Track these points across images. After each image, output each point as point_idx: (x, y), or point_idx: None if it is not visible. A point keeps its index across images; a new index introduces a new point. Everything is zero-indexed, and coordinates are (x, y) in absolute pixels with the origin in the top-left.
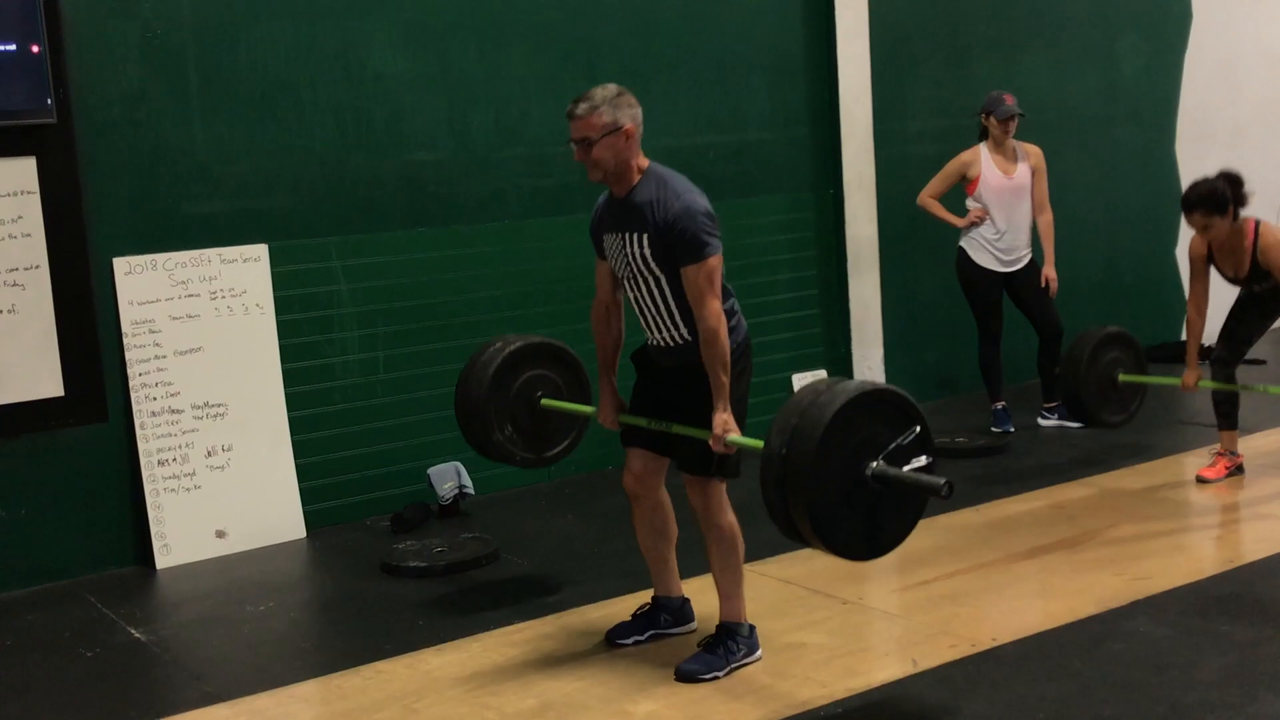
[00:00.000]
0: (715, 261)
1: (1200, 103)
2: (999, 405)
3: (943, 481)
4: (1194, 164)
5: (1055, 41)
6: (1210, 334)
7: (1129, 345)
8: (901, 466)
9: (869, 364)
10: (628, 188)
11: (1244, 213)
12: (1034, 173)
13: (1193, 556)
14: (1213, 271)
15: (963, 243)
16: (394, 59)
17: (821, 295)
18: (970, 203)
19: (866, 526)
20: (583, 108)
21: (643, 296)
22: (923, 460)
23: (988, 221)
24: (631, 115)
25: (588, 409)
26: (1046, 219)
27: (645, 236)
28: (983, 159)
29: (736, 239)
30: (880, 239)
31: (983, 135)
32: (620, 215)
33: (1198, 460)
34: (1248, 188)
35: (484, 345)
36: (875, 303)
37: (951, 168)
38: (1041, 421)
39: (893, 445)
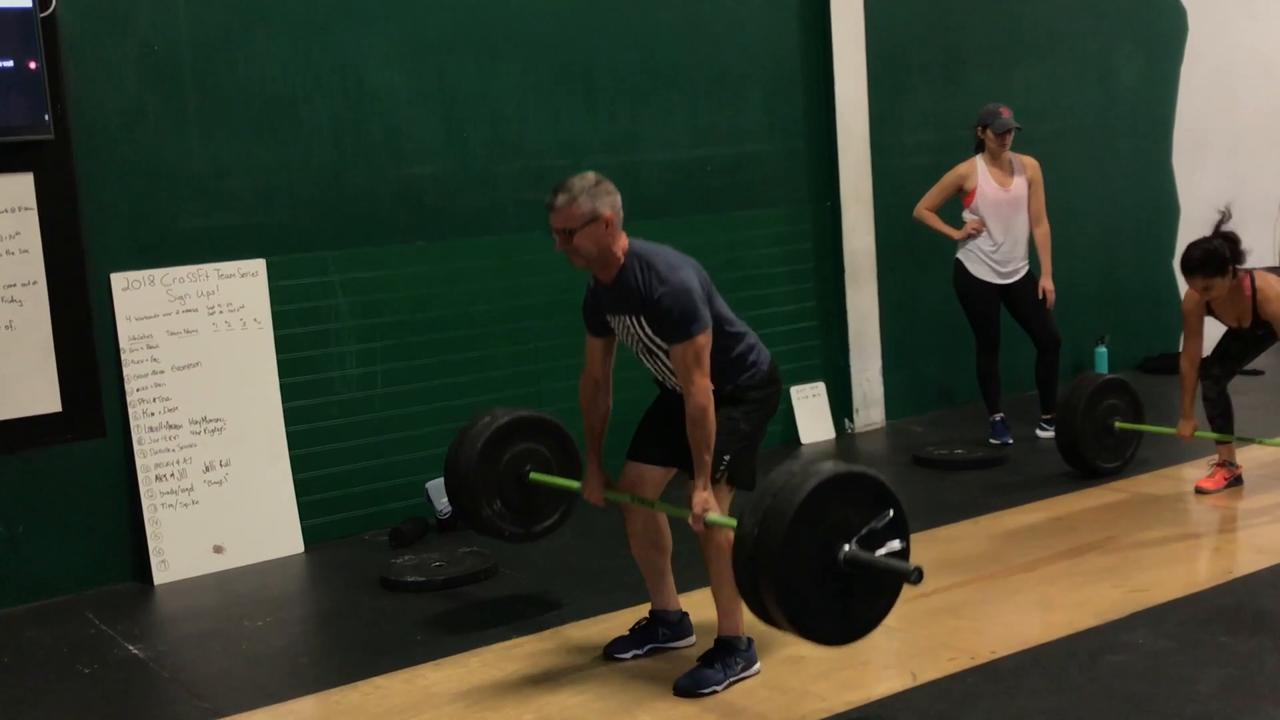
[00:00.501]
0: (703, 339)
1: (1197, 113)
2: (997, 417)
3: (913, 568)
4: (1191, 174)
5: (1051, 53)
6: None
7: (1126, 392)
8: (875, 551)
9: (867, 376)
10: (614, 273)
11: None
12: (1030, 184)
13: (1192, 568)
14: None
15: (959, 255)
16: (391, 74)
17: (819, 307)
18: (967, 215)
19: (839, 611)
20: (561, 199)
21: (657, 366)
22: (896, 545)
23: (984, 233)
24: (610, 203)
25: (575, 484)
26: (1043, 231)
27: (644, 317)
28: (979, 171)
29: (734, 251)
30: (878, 251)
31: (979, 148)
32: (616, 299)
33: (1196, 471)
34: (1244, 245)
35: (474, 418)
36: (873, 314)
37: (948, 180)
38: (1040, 433)
39: (865, 529)
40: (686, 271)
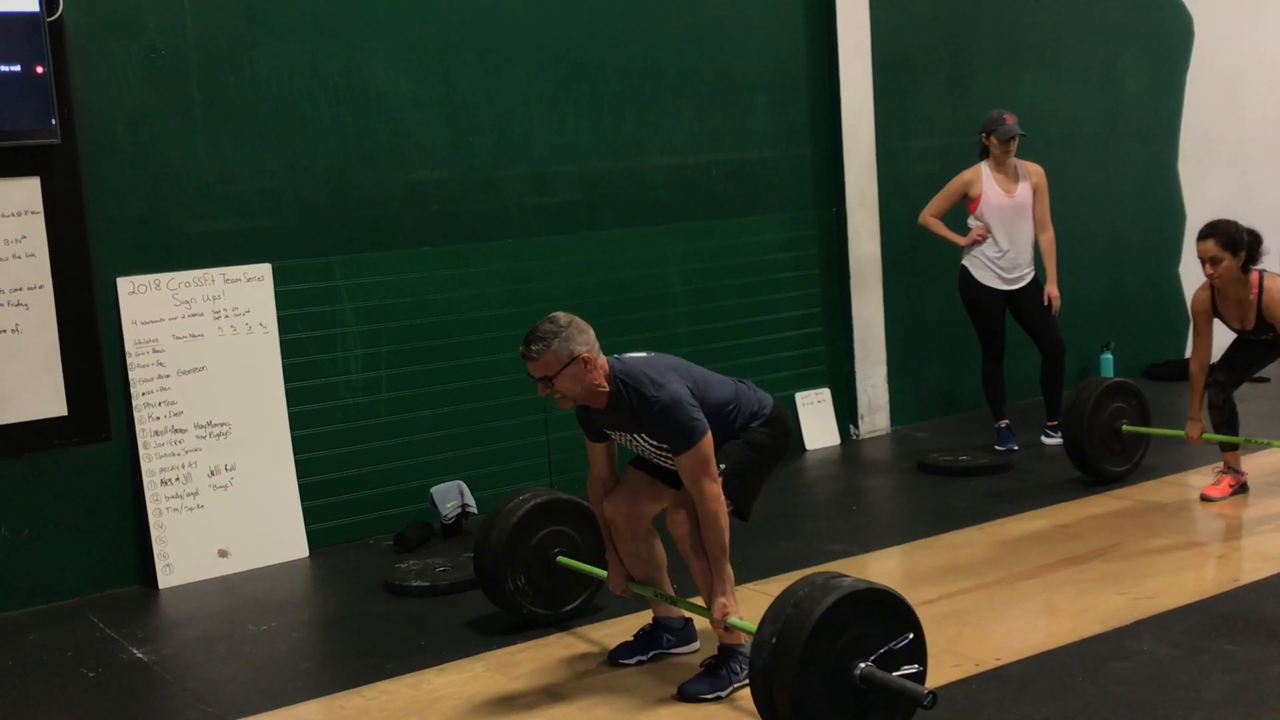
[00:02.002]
0: (705, 445)
1: (1202, 120)
2: (1003, 424)
3: (926, 693)
4: (1196, 181)
5: (1057, 59)
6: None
7: (1133, 396)
8: (891, 671)
9: (872, 382)
10: (604, 400)
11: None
12: (1035, 191)
13: (1197, 575)
14: (1216, 323)
15: (965, 261)
16: (397, 78)
17: (824, 313)
18: (972, 221)
19: None
20: (535, 349)
21: (674, 468)
22: (914, 669)
23: (990, 240)
24: (585, 342)
25: (600, 572)
26: (1048, 237)
27: (643, 433)
28: (984, 177)
29: (739, 257)
30: (883, 257)
31: (983, 154)
32: (612, 419)
33: (1201, 479)
34: (1265, 247)
35: (510, 495)
36: (878, 320)
37: (953, 186)
38: (1045, 440)
39: (884, 649)
40: (671, 384)
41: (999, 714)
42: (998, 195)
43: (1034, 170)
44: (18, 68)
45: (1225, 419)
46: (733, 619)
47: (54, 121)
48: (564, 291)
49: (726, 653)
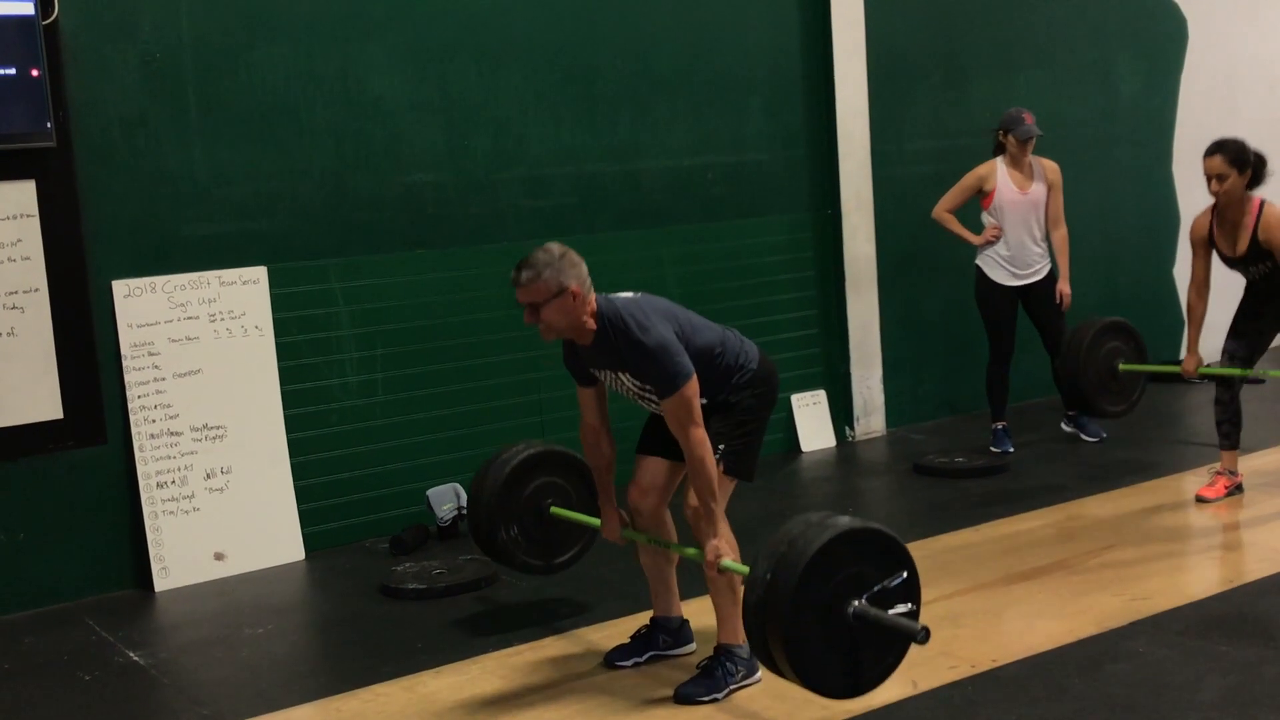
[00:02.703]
0: (689, 390)
1: (1197, 123)
2: (1000, 425)
3: (920, 627)
4: (1192, 184)
5: (1051, 61)
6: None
7: (1129, 335)
8: (885, 610)
9: (868, 384)
10: (589, 338)
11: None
12: (1050, 188)
13: (1192, 576)
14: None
15: (978, 261)
16: (393, 81)
17: (820, 315)
18: (985, 218)
19: (844, 664)
20: (526, 276)
21: (656, 412)
22: (907, 608)
23: (1001, 237)
24: (576, 275)
25: (595, 521)
26: (1061, 234)
27: (628, 372)
28: (999, 173)
29: (735, 259)
30: (879, 258)
31: (998, 150)
32: (597, 356)
33: (1197, 480)
34: (1269, 169)
35: (504, 447)
36: (874, 322)
37: (968, 181)
38: (1063, 426)
39: (878, 587)
40: (657, 326)
41: (995, 716)
42: (1011, 192)
43: (1050, 167)
44: (13, 71)
45: (1228, 417)
46: (725, 561)
47: (49, 124)
48: None
49: (723, 653)
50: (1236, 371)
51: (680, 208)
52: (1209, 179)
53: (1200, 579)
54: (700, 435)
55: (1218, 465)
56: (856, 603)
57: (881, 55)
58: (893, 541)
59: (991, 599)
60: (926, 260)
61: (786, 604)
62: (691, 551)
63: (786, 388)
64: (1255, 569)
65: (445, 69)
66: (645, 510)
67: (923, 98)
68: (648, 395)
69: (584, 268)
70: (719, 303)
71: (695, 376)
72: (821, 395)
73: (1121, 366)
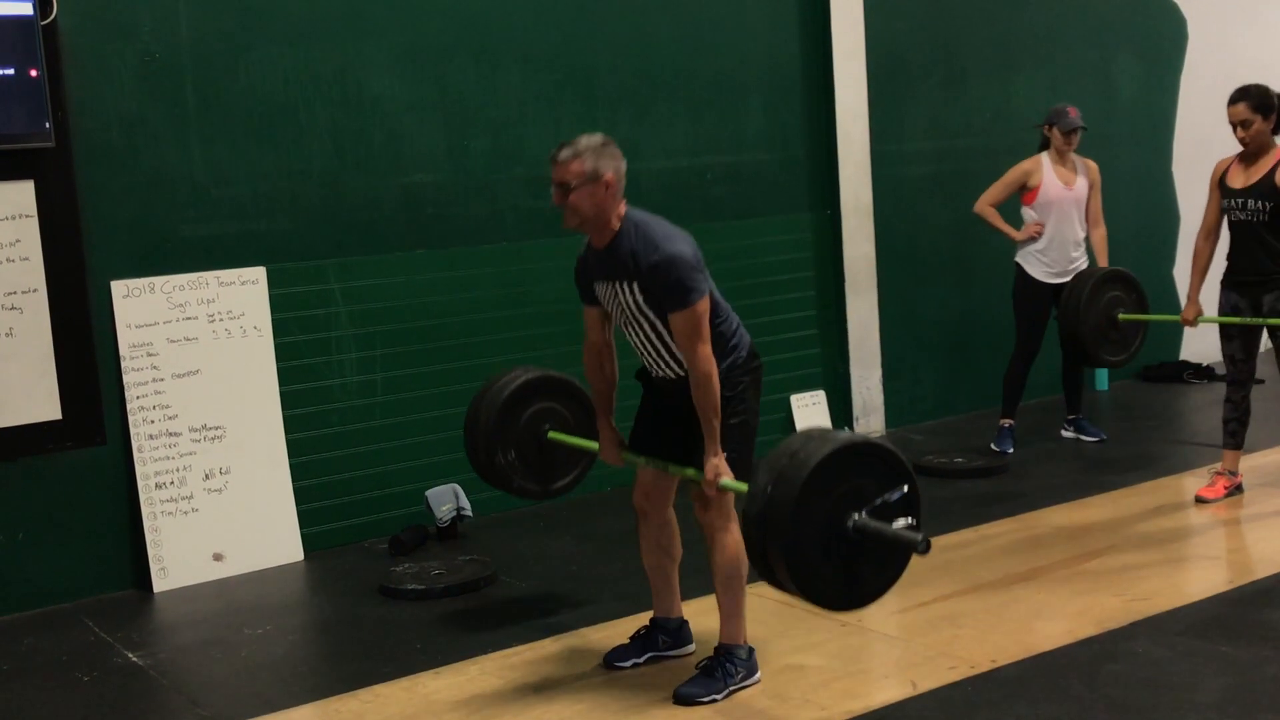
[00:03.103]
0: (702, 307)
1: (1197, 122)
2: (1007, 424)
3: (920, 537)
4: (1192, 183)
5: (1051, 62)
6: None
7: (1129, 284)
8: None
9: (868, 384)
10: (608, 238)
11: None
12: (1090, 186)
13: (1192, 577)
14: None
15: (1018, 258)
16: (392, 81)
17: (819, 316)
18: (1026, 213)
19: (844, 577)
20: (565, 153)
21: (641, 339)
22: (907, 521)
23: (1044, 233)
24: (614, 166)
25: (593, 445)
26: (1101, 233)
27: (635, 284)
28: (1045, 168)
29: (734, 260)
30: (878, 259)
31: (1043, 145)
32: (606, 265)
33: (1197, 480)
34: None
35: (501, 372)
36: (873, 323)
37: (1012, 175)
38: (1063, 433)
39: (879, 501)
40: (681, 243)
41: (994, 716)
42: (1057, 188)
43: (1091, 165)
44: (11, 71)
45: (1237, 415)
46: (725, 480)
47: (48, 125)
48: (559, 294)
49: (723, 654)
50: (1234, 320)
51: (679, 208)
52: (1234, 125)
53: (1200, 579)
54: (706, 352)
55: (1218, 465)
56: (857, 515)
57: (881, 56)
58: (893, 456)
59: (991, 600)
60: (926, 260)
61: (787, 518)
62: (690, 471)
63: (786, 388)
64: (1255, 569)
65: (444, 69)
66: (651, 513)
67: (922, 98)
68: (643, 319)
69: (624, 164)
70: None
71: (708, 298)
72: (821, 396)
73: (1121, 316)
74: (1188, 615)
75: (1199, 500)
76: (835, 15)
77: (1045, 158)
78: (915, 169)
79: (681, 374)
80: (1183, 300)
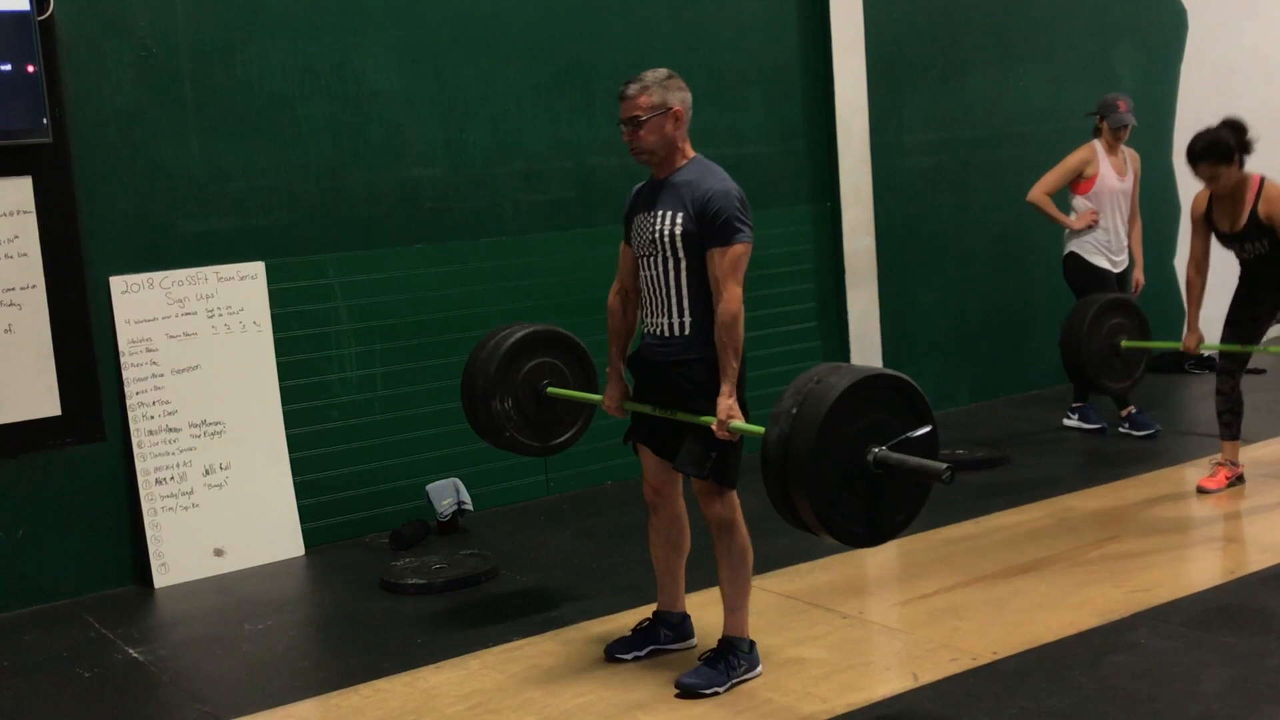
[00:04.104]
0: (742, 249)
1: (1197, 113)
2: (1081, 404)
3: (945, 466)
4: (1191, 175)
5: (1051, 53)
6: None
7: (1131, 312)
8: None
9: None
10: (670, 170)
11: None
12: (1136, 177)
13: (1194, 567)
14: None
15: (1073, 247)
16: (390, 75)
17: (819, 308)
18: (1077, 202)
19: (867, 512)
20: (633, 88)
21: (657, 276)
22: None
23: (1099, 223)
24: (681, 98)
25: (594, 397)
26: (1139, 226)
27: (680, 215)
28: (1100, 158)
29: None
30: (878, 251)
31: (1097, 133)
32: (657, 195)
33: (1198, 471)
34: (1251, 134)
35: (494, 330)
36: (874, 315)
37: (1070, 164)
38: (1065, 420)
39: (900, 438)
40: (738, 190)
41: (996, 708)
42: (1112, 177)
43: (1135, 156)
44: (8, 67)
45: (1230, 407)
46: (736, 422)
47: (45, 120)
48: (559, 288)
49: (726, 647)
50: (1236, 347)
51: None
52: (1204, 182)
53: (1202, 570)
54: (738, 294)
55: (1219, 456)
56: (877, 450)
57: (880, 48)
58: (915, 392)
59: (992, 591)
60: (926, 252)
61: (809, 444)
62: (704, 418)
63: (786, 380)
64: (1257, 560)
65: (442, 63)
66: (662, 507)
67: (921, 90)
68: (670, 253)
69: (689, 95)
70: None
71: (751, 245)
72: None
73: (1124, 343)
74: (1190, 606)
75: (1200, 491)
76: (834, 7)
77: (1099, 147)
78: (915, 161)
79: (676, 331)
80: (1183, 286)
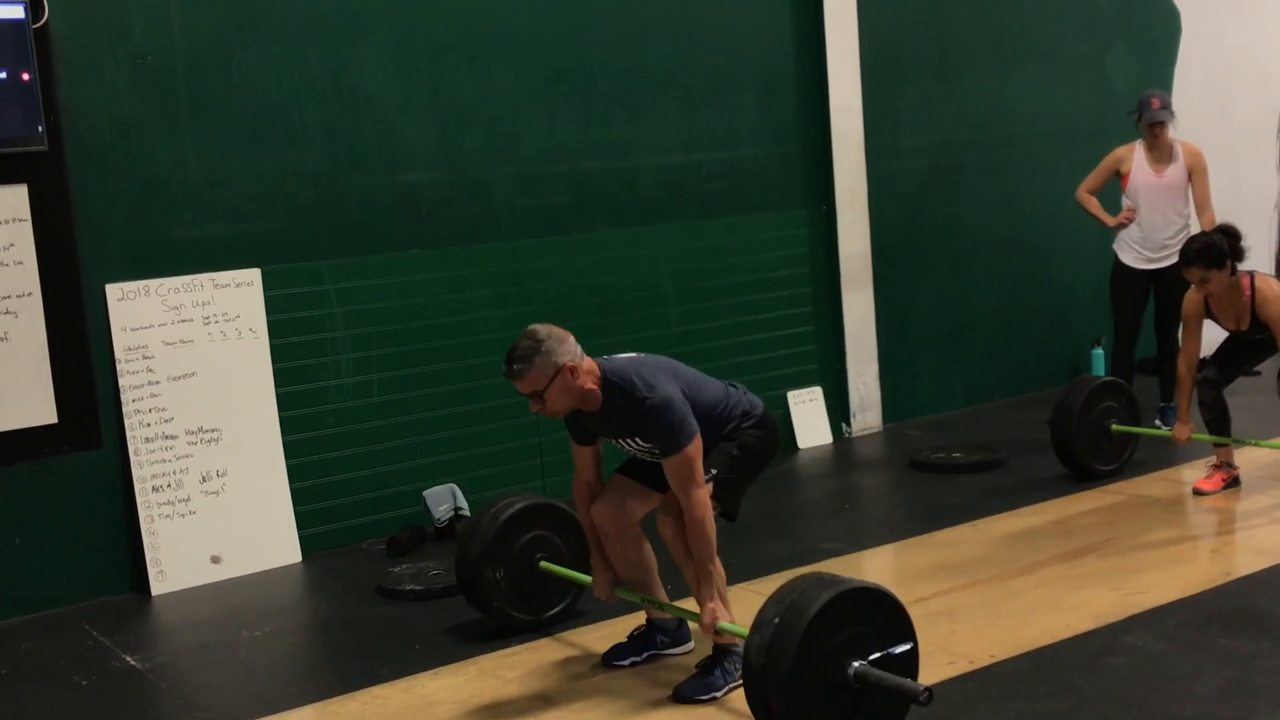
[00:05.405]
0: (693, 450)
1: (1191, 115)
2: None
3: (923, 688)
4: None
5: (1045, 55)
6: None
7: (1121, 394)
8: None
9: (864, 380)
10: (596, 405)
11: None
12: (1192, 172)
13: (1190, 570)
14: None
15: (1114, 245)
16: (385, 81)
17: (815, 312)
18: (1126, 200)
19: None
20: (519, 368)
21: (647, 459)
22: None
23: (1135, 219)
24: (567, 351)
25: (585, 579)
26: (1208, 218)
27: (637, 437)
28: (1136, 155)
29: (729, 256)
30: (873, 254)
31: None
32: (606, 424)
33: (1194, 473)
34: (1245, 242)
35: (493, 499)
36: (869, 318)
37: (1107, 162)
38: (1157, 422)
39: (880, 654)
40: (663, 384)
41: (993, 711)
42: (1145, 174)
43: (1189, 151)
44: (4, 75)
45: (1215, 416)
46: (722, 623)
47: (41, 128)
48: (555, 293)
49: (721, 653)
50: (1228, 440)
51: (674, 205)
52: (1195, 284)
53: (1198, 572)
54: (701, 496)
55: (1215, 458)
56: (857, 664)
57: (874, 50)
58: (895, 604)
59: (989, 594)
60: (921, 255)
61: (788, 665)
62: (689, 612)
63: (783, 385)
64: (1253, 562)
65: (437, 68)
66: (614, 533)
67: (916, 93)
68: (656, 455)
69: (571, 340)
70: (714, 300)
71: (699, 436)
72: (818, 392)
73: (1115, 427)
74: (1186, 608)
75: (1197, 493)
76: (829, 10)
77: (1139, 144)
78: (910, 163)
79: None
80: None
